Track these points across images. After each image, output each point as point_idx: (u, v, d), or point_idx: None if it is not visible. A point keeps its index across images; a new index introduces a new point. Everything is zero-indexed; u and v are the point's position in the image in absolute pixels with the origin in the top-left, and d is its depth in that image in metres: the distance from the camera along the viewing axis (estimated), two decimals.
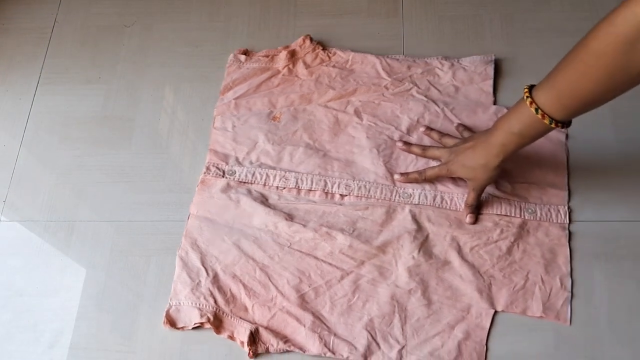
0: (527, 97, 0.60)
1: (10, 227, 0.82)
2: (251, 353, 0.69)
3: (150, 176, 0.83)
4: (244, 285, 0.72)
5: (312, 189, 0.78)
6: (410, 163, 0.79)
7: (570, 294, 0.69)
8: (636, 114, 0.80)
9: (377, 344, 0.68)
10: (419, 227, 0.74)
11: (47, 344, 0.74)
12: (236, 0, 0.95)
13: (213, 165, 0.81)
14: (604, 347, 0.66)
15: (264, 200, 0.78)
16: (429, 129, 0.79)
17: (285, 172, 0.80)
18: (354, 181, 0.78)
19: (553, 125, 0.59)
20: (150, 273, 0.76)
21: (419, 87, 0.84)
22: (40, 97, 0.91)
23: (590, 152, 0.78)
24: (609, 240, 0.72)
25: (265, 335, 0.69)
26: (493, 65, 0.84)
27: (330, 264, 0.73)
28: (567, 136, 0.79)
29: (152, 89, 0.89)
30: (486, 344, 0.67)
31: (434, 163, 0.78)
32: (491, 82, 0.83)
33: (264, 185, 0.79)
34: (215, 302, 0.71)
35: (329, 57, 0.88)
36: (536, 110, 0.59)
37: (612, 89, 0.53)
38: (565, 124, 0.60)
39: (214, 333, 0.70)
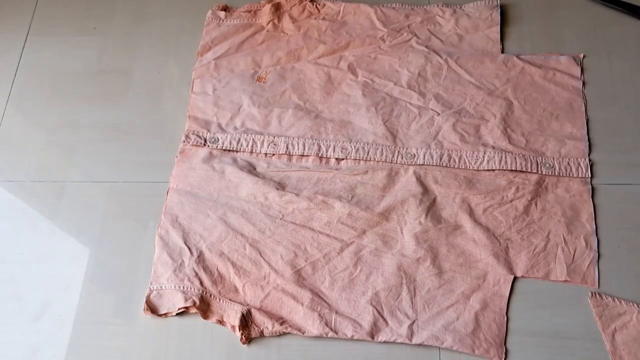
0: None
1: None
2: (243, 338, 0.61)
3: (147, 134, 0.75)
4: (233, 264, 0.65)
5: (305, 154, 0.71)
6: (413, 120, 0.71)
7: (597, 254, 0.62)
8: None
9: (385, 320, 0.61)
10: (425, 190, 0.66)
11: (32, 315, 0.66)
12: None
13: (193, 133, 0.73)
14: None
15: (251, 169, 0.70)
16: None
17: (274, 137, 0.72)
18: (350, 143, 0.70)
19: None
20: (147, 238, 0.68)
21: (418, 38, 0.76)
22: (30, 49, 0.84)
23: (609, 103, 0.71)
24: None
25: (258, 317, 0.62)
26: (499, 11, 0.76)
27: (328, 235, 0.65)
28: (583, 83, 0.72)
29: (151, 40, 0.82)
30: (506, 314, 0.60)
31: (438, 118, 0.70)
32: (498, 28, 0.75)
33: (251, 152, 0.72)
34: (201, 283, 0.64)
35: (318, 9, 0.80)
36: None
37: None
38: None
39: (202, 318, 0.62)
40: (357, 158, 0.70)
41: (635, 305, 0.59)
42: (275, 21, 0.80)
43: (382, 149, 0.70)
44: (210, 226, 0.67)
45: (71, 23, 0.85)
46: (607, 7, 0.77)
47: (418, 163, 0.68)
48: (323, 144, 0.71)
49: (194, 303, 0.62)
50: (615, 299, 0.59)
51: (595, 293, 0.60)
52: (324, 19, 0.79)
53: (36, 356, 0.64)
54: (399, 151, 0.70)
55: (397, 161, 0.69)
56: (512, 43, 0.76)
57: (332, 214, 0.66)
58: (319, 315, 0.61)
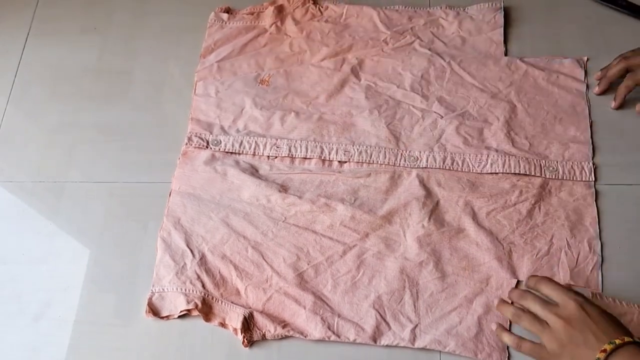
0: None
1: None
2: (245, 341, 0.61)
3: (148, 134, 0.75)
4: (235, 266, 0.64)
5: (307, 156, 0.70)
6: (416, 123, 0.71)
7: (600, 258, 0.62)
8: None
9: (387, 323, 0.60)
10: (428, 193, 0.66)
11: (32, 315, 0.66)
12: None
13: (195, 135, 0.73)
14: None
15: (253, 172, 0.70)
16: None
17: (277, 139, 0.72)
18: (353, 146, 0.70)
19: None
20: (147, 239, 0.68)
21: (421, 40, 0.76)
22: (30, 49, 0.84)
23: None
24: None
25: (261, 320, 0.61)
26: (502, 13, 0.76)
27: (330, 238, 0.65)
28: (587, 86, 0.72)
29: (151, 40, 0.82)
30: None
31: (441, 121, 0.70)
32: (501, 30, 0.75)
33: (253, 154, 0.71)
34: (204, 286, 0.64)
35: (321, 12, 0.79)
36: None
37: None
38: None
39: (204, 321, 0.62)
40: (360, 161, 0.69)
41: (636, 306, 0.58)
42: (278, 23, 0.79)
43: (385, 151, 0.69)
44: (213, 228, 0.67)
45: (71, 23, 0.85)
46: (611, 9, 0.77)
47: (421, 166, 0.68)
48: (326, 147, 0.71)
49: (196, 306, 0.62)
50: (616, 300, 0.59)
51: (595, 294, 0.60)
52: (326, 21, 0.79)
53: (36, 357, 0.64)
54: (402, 154, 0.69)
55: (400, 164, 0.69)
56: (515, 45, 0.75)
57: (334, 216, 0.66)
58: (321, 318, 0.61)
